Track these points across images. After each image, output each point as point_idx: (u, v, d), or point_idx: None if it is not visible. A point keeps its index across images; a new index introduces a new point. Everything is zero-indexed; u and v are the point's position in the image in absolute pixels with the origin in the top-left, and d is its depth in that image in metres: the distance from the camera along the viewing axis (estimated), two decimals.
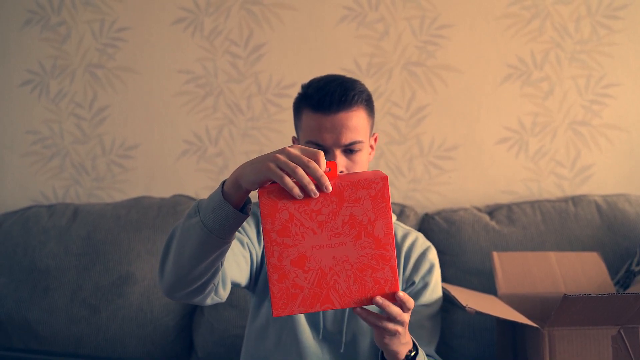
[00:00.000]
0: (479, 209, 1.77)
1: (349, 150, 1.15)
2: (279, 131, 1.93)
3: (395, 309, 0.89)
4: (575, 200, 1.73)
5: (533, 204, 1.74)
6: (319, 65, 1.90)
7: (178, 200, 1.83)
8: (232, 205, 0.87)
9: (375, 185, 0.85)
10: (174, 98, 1.97)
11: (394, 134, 1.90)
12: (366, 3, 1.89)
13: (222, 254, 0.94)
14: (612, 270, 1.57)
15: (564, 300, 1.10)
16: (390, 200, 0.87)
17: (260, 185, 0.85)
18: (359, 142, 1.15)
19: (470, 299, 1.26)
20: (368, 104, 1.18)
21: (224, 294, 1.05)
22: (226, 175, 1.93)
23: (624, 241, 1.63)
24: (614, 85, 1.84)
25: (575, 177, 1.86)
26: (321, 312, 1.20)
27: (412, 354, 1.01)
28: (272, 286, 0.86)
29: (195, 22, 1.95)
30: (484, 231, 1.67)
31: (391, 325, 0.91)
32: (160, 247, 1.72)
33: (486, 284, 1.57)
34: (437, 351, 1.25)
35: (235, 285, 1.12)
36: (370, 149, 1.22)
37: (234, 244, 1.12)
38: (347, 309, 1.20)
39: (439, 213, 1.76)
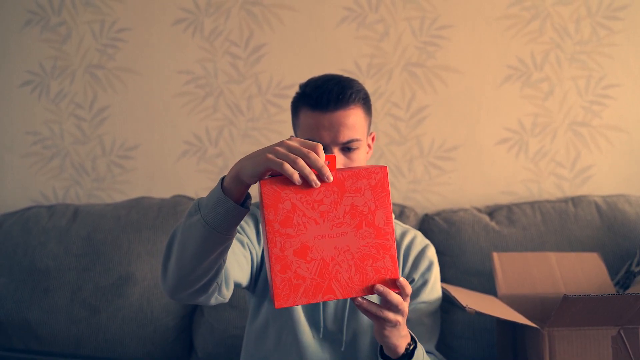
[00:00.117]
0: (479, 210, 1.77)
1: (347, 149, 1.16)
2: (279, 132, 1.93)
3: (396, 297, 0.89)
4: (575, 201, 1.73)
5: (533, 204, 1.74)
6: (319, 66, 1.90)
7: (178, 201, 1.83)
8: (232, 201, 0.88)
9: (375, 176, 0.86)
10: (174, 99, 1.97)
11: (394, 134, 1.90)
12: (366, 4, 1.89)
13: (225, 251, 0.94)
14: (612, 270, 1.57)
15: (564, 301, 1.10)
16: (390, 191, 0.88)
17: (260, 178, 0.85)
18: (357, 140, 1.15)
19: (470, 300, 1.26)
20: (365, 102, 1.19)
21: (227, 293, 1.05)
22: None
23: (623, 242, 1.63)
24: (614, 86, 1.84)
25: (575, 177, 1.86)
26: (321, 312, 1.20)
27: (411, 347, 1.01)
28: (275, 277, 0.86)
29: (196, 23, 1.96)
30: (484, 232, 1.68)
31: (392, 315, 0.91)
32: (160, 248, 1.72)
33: (486, 285, 1.57)
34: (437, 350, 1.25)
35: (236, 286, 1.13)
36: (367, 148, 1.23)
37: (235, 245, 1.13)
38: (347, 309, 1.20)
39: (438, 214, 1.76)
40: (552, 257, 1.50)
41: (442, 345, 1.57)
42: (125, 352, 1.69)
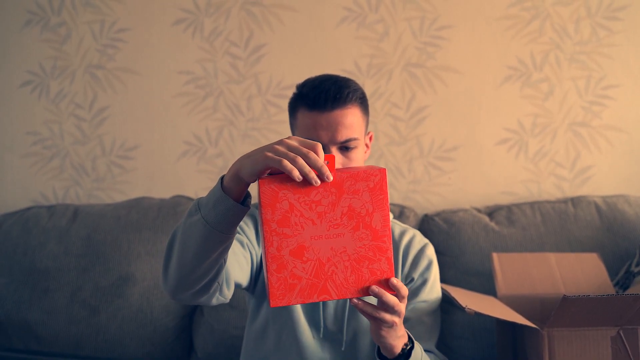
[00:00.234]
0: (479, 210, 1.77)
1: (345, 148, 1.16)
2: (279, 132, 1.93)
3: (391, 298, 0.89)
4: (575, 201, 1.73)
5: (533, 205, 1.74)
6: (319, 66, 1.90)
7: (178, 201, 1.83)
8: (232, 199, 0.88)
9: (374, 178, 0.86)
10: (174, 99, 1.97)
11: (393, 134, 1.90)
12: (366, 4, 1.89)
13: (225, 250, 0.94)
14: (612, 271, 1.57)
15: (564, 301, 1.10)
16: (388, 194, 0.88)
17: (259, 176, 0.85)
18: (355, 139, 1.16)
19: (470, 300, 1.26)
20: (362, 102, 1.19)
21: (228, 293, 1.05)
22: None
23: (623, 242, 1.63)
24: (613, 86, 1.84)
25: (575, 178, 1.86)
26: (321, 312, 1.20)
27: (408, 347, 1.01)
28: (271, 276, 0.86)
29: (195, 23, 1.96)
30: (484, 232, 1.68)
31: (388, 316, 0.91)
32: (160, 248, 1.72)
33: (486, 285, 1.57)
34: (438, 350, 1.26)
35: (236, 286, 1.13)
36: (365, 147, 1.24)
37: (235, 245, 1.13)
38: (347, 309, 1.20)
39: (438, 214, 1.76)
40: (552, 257, 1.50)
41: (442, 345, 1.57)
42: (125, 353, 1.69)
